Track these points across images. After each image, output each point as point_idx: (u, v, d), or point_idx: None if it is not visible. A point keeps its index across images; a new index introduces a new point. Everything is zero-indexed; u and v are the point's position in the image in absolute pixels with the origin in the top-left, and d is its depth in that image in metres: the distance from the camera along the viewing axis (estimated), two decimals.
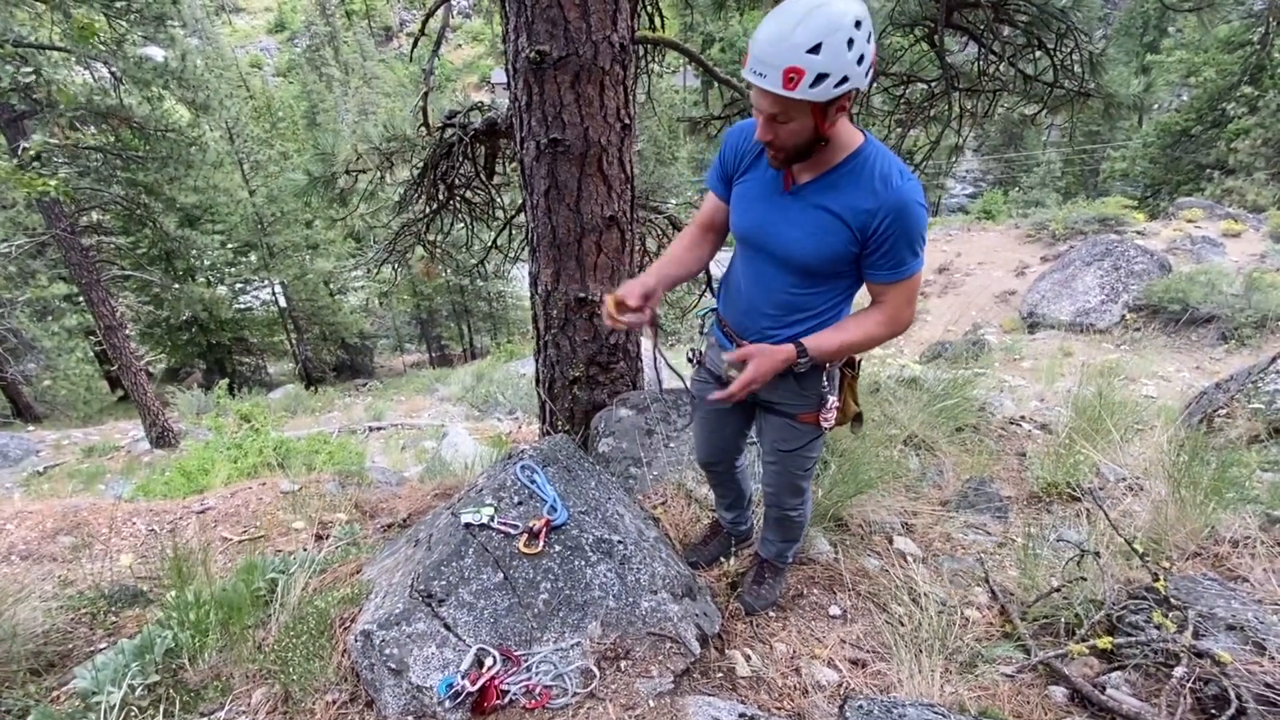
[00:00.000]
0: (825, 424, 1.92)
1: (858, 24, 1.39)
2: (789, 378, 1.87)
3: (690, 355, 2.27)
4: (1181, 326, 11.81)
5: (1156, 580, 2.13)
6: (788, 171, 1.70)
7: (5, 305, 14.24)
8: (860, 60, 1.42)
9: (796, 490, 2.19)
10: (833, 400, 1.90)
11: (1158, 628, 1.97)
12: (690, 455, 3.33)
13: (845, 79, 1.42)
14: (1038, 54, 4.57)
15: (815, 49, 1.38)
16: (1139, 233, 16.99)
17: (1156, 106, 36.25)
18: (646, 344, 2.16)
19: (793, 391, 1.93)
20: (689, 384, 2.31)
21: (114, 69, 12.09)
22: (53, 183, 4.33)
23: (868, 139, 1.64)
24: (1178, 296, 12.09)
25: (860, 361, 2.03)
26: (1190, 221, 17.37)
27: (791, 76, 1.41)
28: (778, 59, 1.41)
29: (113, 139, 12.97)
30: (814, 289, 1.77)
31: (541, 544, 2.09)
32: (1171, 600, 2.06)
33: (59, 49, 11.21)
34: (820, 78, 1.41)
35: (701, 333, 2.25)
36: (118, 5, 11.41)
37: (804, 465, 2.11)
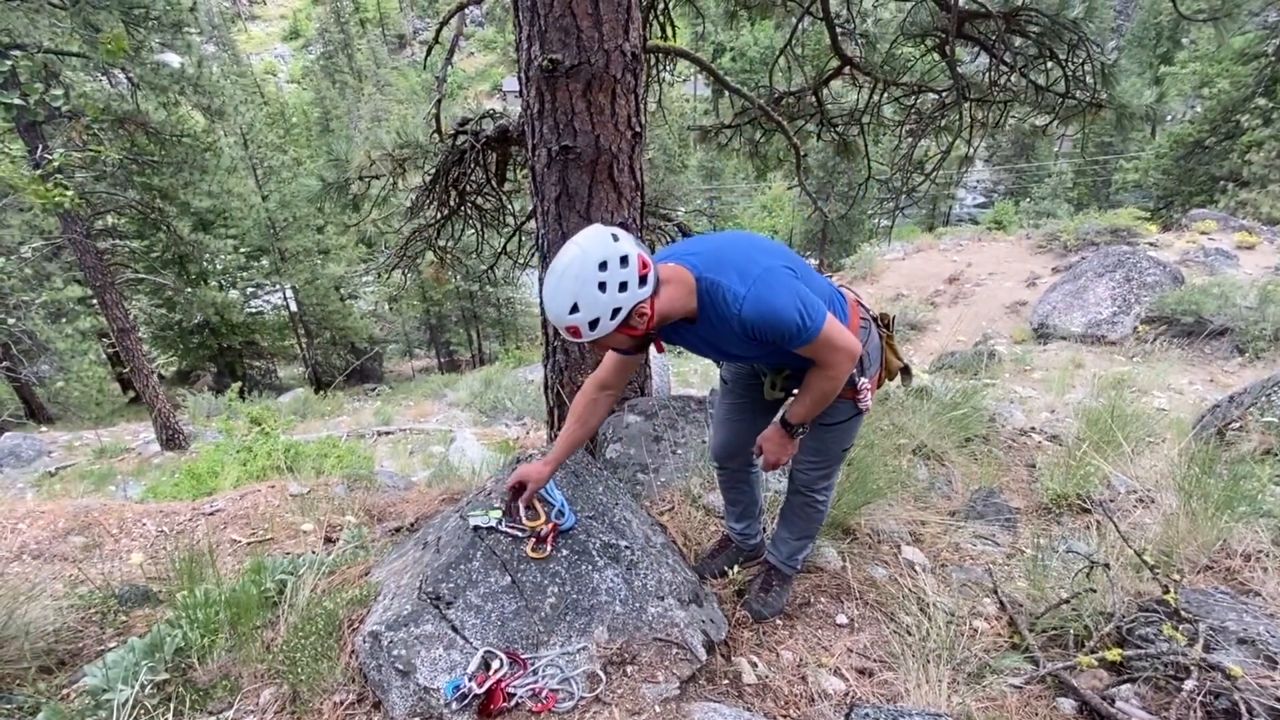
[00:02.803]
0: (861, 404, 2.05)
1: (602, 265, 1.59)
2: None
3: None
4: (1194, 339, 11.68)
5: (1167, 593, 2.11)
6: (658, 341, 1.97)
7: (21, 307, 14.38)
8: (623, 287, 1.62)
9: (829, 472, 2.26)
10: (863, 382, 2.02)
11: (1168, 640, 1.95)
12: (697, 461, 3.33)
13: (617, 310, 1.63)
14: (1049, 65, 4.57)
15: (574, 309, 1.61)
16: (1151, 244, 16.84)
17: (1170, 117, 36.09)
18: (654, 352, 2.22)
19: None
20: (719, 380, 2.46)
21: (131, 75, 12.25)
22: (69, 194, 4.38)
23: (698, 278, 1.77)
24: (1191, 308, 11.97)
25: (894, 319, 2.21)
26: (1204, 233, 17.21)
27: (572, 331, 1.66)
28: (557, 323, 1.66)
29: (129, 144, 13.13)
30: (778, 348, 1.86)
31: (549, 548, 2.10)
32: (1182, 613, 2.05)
33: (77, 54, 11.38)
34: (593, 323, 1.64)
35: None
36: (136, 13, 11.58)
37: (843, 443, 2.20)
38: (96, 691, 1.92)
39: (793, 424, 2.01)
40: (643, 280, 1.64)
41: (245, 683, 2.04)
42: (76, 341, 16.75)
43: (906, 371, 2.22)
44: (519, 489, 2.17)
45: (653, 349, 2.04)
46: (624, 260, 1.60)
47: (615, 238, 1.62)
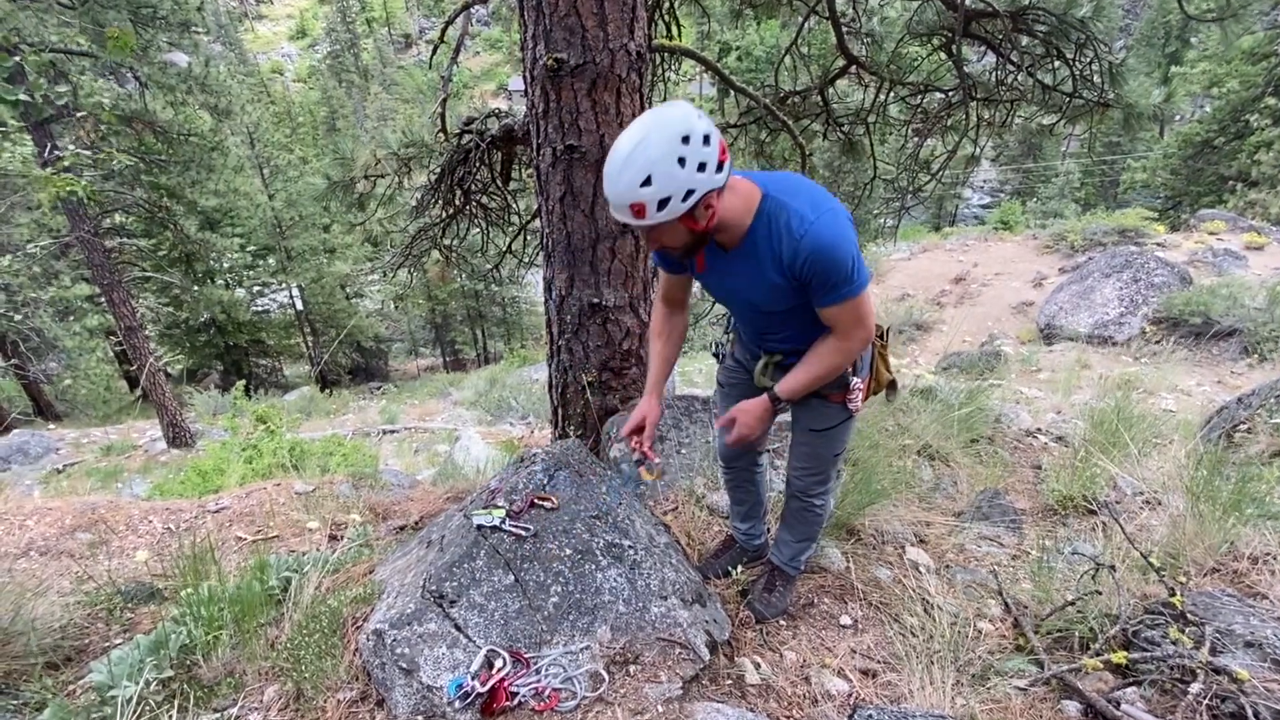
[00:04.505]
0: (851, 405, 2.00)
1: (685, 139, 1.46)
2: None
3: (715, 350, 2.40)
4: (1202, 340, 11.62)
5: (1173, 595, 2.10)
6: (701, 256, 1.84)
7: (29, 305, 14.46)
8: (701, 168, 1.50)
9: (824, 478, 2.22)
10: (856, 382, 1.98)
11: (1174, 643, 1.94)
12: (702, 461, 3.33)
13: (690, 192, 1.51)
14: (1056, 64, 4.55)
15: (646, 181, 1.48)
16: (1159, 245, 16.73)
17: (1178, 117, 35.89)
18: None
19: None
20: (717, 378, 2.43)
21: (139, 74, 12.32)
22: (81, 183, 4.42)
23: (765, 195, 1.69)
24: (1199, 309, 11.90)
25: (889, 330, 2.12)
26: (1212, 234, 17.08)
27: (637, 209, 1.53)
28: (620, 199, 1.53)
29: (137, 143, 13.19)
30: (802, 314, 1.84)
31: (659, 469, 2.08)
32: (1188, 616, 2.04)
33: (84, 54, 11.44)
34: (663, 202, 1.51)
35: (726, 332, 2.31)
36: (144, 12, 11.65)
37: (835, 448, 2.16)
38: (102, 688, 1.93)
39: (779, 397, 1.89)
40: (720, 166, 1.53)
41: (249, 680, 2.05)
42: (84, 339, 16.82)
43: (893, 385, 2.14)
44: (639, 428, 2.10)
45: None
46: (706, 139, 1.48)
47: (699, 115, 1.50)
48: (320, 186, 5.64)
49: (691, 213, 1.57)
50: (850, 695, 2.05)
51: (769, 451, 2.46)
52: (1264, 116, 23.11)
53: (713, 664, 2.06)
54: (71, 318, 17.19)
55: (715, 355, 2.41)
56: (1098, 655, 2.03)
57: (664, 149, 1.46)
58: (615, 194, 1.53)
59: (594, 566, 2.09)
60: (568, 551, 2.12)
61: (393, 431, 13.10)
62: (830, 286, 1.67)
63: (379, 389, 24.78)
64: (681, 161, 1.47)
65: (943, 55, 4.80)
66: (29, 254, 12.88)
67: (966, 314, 16.44)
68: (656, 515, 2.81)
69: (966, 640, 2.17)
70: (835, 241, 1.61)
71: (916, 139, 5.43)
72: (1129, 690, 1.91)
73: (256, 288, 27.03)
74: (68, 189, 4.22)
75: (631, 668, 1.92)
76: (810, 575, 2.64)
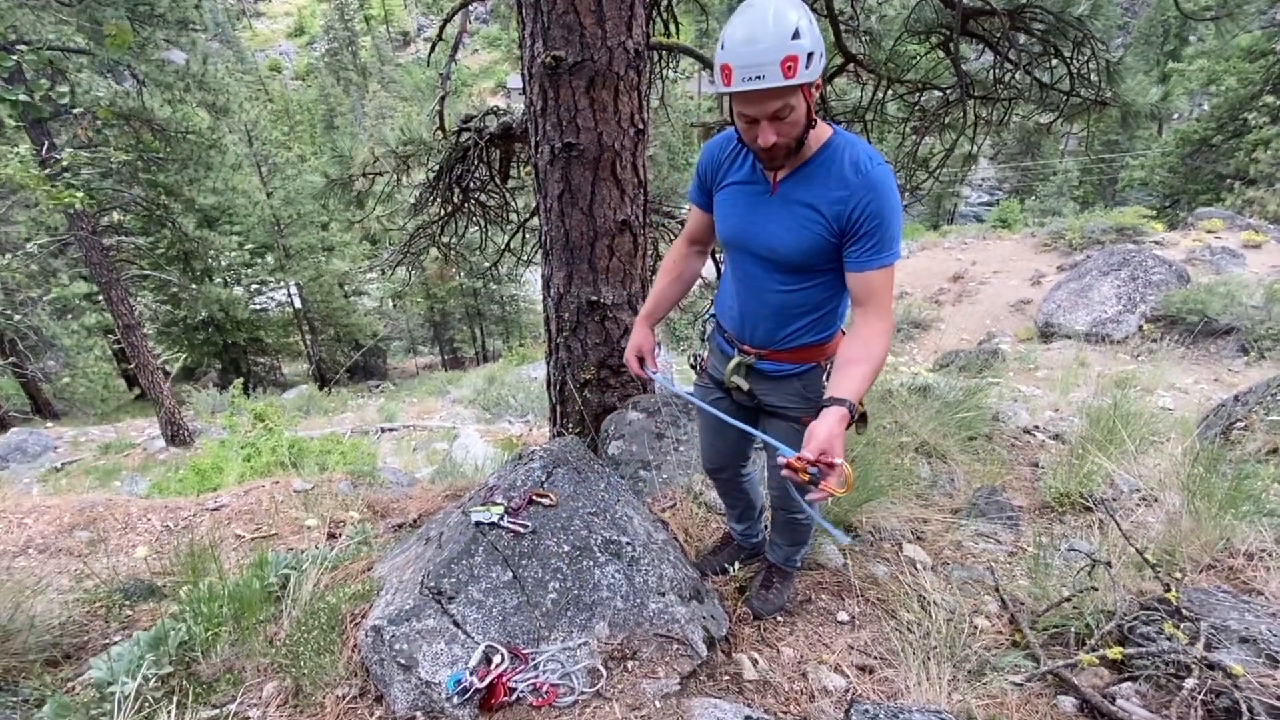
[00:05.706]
0: None
1: (801, 7, 1.49)
2: (792, 380, 1.95)
3: (692, 361, 2.33)
4: (1200, 338, 11.65)
5: (1168, 591, 2.10)
6: (773, 176, 1.75)
7: (27, 303, 14.43)
8: (817, 35, 1.51)
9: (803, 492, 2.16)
10: None
11: (1169, 639, 1.95)
12: (699, 459, 3.33)
13: (821, 54, 1.51)
14: (1054, 62, 4.55)
15: (796, 34, 1.45)
16: (1157, 243, 16.76)
17: (1176, 115, 35.91)
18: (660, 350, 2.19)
19: (796, 395, 1.95)
20: (692, 390, 2.35)
21: (137, 72, 12.30)
22: (79, 195, 4.40)
23: (836, 131, 1.70)
24: (1196, 307, 11.94)
25: None
26: (1210, 232, 17.10)
27: (789, 65, 1.46)
28: (770, 55, 1.46)
29: (135, 141, 13.16)
30: (803, 285, 1.81)
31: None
32: (1184, 612, 2.04)
33: (82, 52, 11.41)
34: (809, 56, 1.48)
35: (702, 340, 2.27)
36: (141, 9, 11.62)
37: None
38: (101, 684, 1.93)
39: (849, 401, 1.62)
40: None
41: (248, 676, 2.05)
42: (82, 338, 16.79)
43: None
44: (640, 360, 2.16)
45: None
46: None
47: None
48: (319, 184, 5.64)
49: (811, 87, 1.55)
50: (847, 691, 2.06)
51: (760, 449, 2.43)
52: (1262, 114, 23.14)
53: (710, 660, 2.07)
54: (70, 316, 17.15)
55: (692, 367, 2.35)
56: (1093, 651, 2.04)
57: (799, 7, 1.48)
58: (766, 49, 1.46)
59: (592, 563, 2.10)
60: (566, 548, 2.13)
61: (391, 430, 13.09)
62: (881, 240, 1.63)
63: (377, 387, 24.74)
64: (811, 21, 1.49)
65: (941, 53, 4.79)
66: (27, 252, 12.85)
67: (965, 312, 16.46)
68: (654, 512, 2.82)
69: (963, 636, 2.18)
70: (895, 190, 1.62)
71: (915, 137, 5.42)
72: (1124, 685, 1.92)
73: (255, 286, 26.96)
74: (66, 201, 4.20)
75: (629, 663, 1.93)
76: (808, 572, 2.65)
